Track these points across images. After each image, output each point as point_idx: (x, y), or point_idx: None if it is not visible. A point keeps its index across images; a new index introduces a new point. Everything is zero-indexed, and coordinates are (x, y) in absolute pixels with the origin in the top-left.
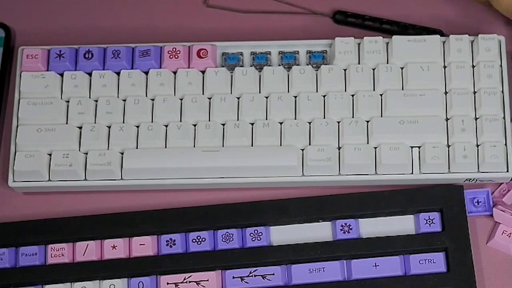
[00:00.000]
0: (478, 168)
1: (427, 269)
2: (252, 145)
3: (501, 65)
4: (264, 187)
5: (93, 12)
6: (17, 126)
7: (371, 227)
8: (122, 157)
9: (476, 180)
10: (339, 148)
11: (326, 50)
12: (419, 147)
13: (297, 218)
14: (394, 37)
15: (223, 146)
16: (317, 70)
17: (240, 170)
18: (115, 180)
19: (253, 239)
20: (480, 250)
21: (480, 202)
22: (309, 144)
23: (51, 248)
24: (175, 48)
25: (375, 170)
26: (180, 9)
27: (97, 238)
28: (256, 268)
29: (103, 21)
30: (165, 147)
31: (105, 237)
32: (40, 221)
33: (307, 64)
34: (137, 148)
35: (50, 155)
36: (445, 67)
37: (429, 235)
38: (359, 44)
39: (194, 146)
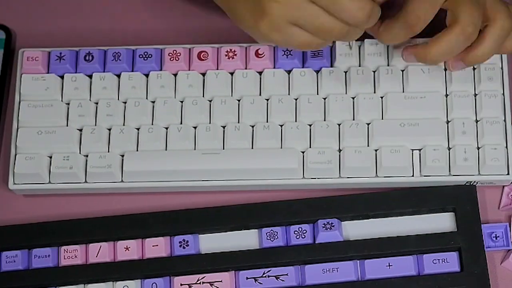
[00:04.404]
0: (479, 170)
1: (441, 268)
2: (252, 148)
3: (501, 68)
4: (265, 189)
5: (93, 15)
6: (18, 129)
7: (384, 227)
8: (122, 160)
9: (477, 182)
10: (339, 150)
11: None
12: (419, 149)
13: (310, 218)
14: None
15: (223, 148)
16: (318, 72)
17: (240, 172)
18: (115, 182)
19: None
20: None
21: (499, 236)
22: (310, 147)
23: (64, 249)
24: (176, 51)
25: (376, 172)
26: (180, 11)
27: (110, 240)
28: (269, 269)
29: (104, 24)
30: (166, 150)
31: (118, 239)
32: (52, 223)
33: (308, 67)
34: (137, 150)
35: (50, 157)
36: (445, 69)
37: (442, 234)
38: (359, 46)
39: (195, 149)
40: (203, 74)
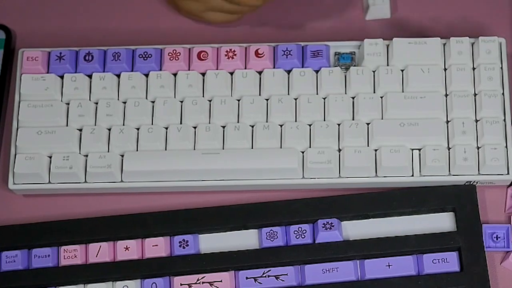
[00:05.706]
0: (479, 170)
1: (441, 268)
2: (252, 148)
3: (501, 68)
4: (264, 189)
5: (93, 14)
6: (17, 129)
7: (383, 227)
8: (122, 160)
9: (477, 182)
10: (339, 150)
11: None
12: (419, 149)
13: (309, 218)
14: (394, 39)
15: (223, 148)
16: (318, 72)
17: (240, 172)
18: (115, 182)
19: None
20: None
21: (500, 237)
22: (310, 147)
23: (64, 249)
24: (176, 50)
25: (376, 172)
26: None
27: (110, 240)
28: (269, 269)
29: (104, 23)
30: (165, 150)
31: (118, 239)
32: (52, 223)
33: (308, 67)
34: (137, 150)
35: (50, 157)
36: (445, 69)
37: (442, 234)
38: (359, 46)
39: (194, 149)
40: (203, 74)
